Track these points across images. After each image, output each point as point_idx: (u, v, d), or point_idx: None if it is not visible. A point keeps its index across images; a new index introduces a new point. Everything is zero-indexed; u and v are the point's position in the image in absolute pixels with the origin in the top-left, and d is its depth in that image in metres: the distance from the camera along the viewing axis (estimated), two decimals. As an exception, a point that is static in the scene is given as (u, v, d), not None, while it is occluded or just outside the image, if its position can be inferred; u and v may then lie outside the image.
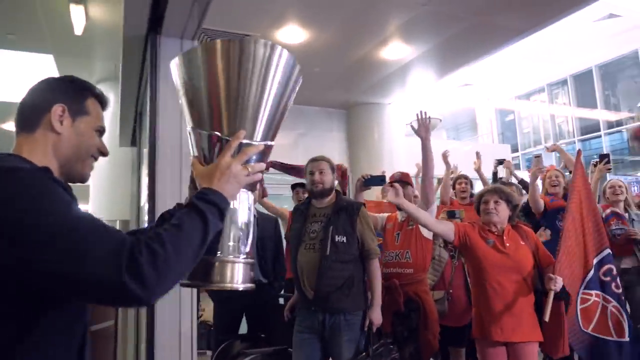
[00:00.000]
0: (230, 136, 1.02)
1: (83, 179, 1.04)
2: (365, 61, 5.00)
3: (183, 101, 1.11)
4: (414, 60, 5.04)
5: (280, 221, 3.69)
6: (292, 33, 4.29)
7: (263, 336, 3.19)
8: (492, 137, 13.96)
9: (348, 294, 2.57)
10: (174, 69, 1.10)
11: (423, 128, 2.86)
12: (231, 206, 1.00)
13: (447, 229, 2.61)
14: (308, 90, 5.82)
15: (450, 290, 3.33)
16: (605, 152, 4.16)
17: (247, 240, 1.07)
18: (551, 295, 2.36)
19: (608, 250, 2.70)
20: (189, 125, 1.10)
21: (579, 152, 2.95)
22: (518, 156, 12.76)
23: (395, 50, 4.76)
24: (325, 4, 3.85)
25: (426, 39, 4.58)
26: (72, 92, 1.02)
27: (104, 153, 1.06)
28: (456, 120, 15.07)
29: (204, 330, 4.29)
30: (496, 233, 2.58)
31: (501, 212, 2.59)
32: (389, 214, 3.27)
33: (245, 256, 1.05)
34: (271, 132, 1.09)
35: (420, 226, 2.97)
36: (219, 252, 1.01)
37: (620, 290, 2.65)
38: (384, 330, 2.86)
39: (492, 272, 2.51)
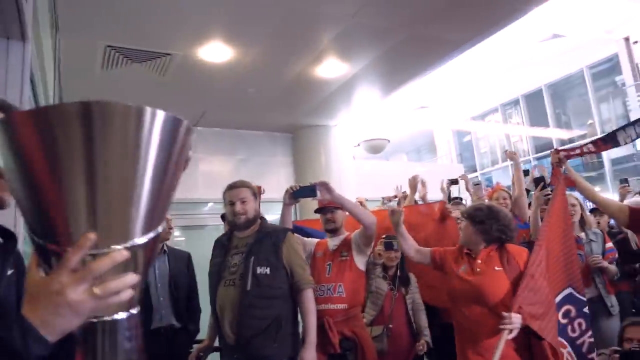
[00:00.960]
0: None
1: None
2: (302, 80, 4.73)
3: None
4: (354, 77, 4.80)
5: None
6: (217, 50, 3.98)
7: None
8: (450, 158, 13.93)
9: (275, 338, 2.22)
10: None
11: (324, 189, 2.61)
12: None
13: (424, 255, 2.47)
14: (246, 113, 5.52)
15: (390, 325, 3.00)
16: (539, 176, 3.80)
17: None
18: (503, 336, 2.00)
19: (570, 290, 2.39)
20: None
21: (554, 168, 2.72)
22: (477, 176, 12.72)
23: (331, 67, 4.51)
24: (248, 18, 3.56)
25: (362, 54, 4.34)
26: None
27: None
28: (416, 142, 15.05)
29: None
30: (473, 256, 2.27)
31: (464, 232, 2.31)
32: (318, 240, 2.94)
33: None
34: (155, 221, 0.73)
35: (354, 256, 2.71)
36: None
37: (576, 334, 2.35)
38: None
39: (457, 302, 2.24)
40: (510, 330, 2.01)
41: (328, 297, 2.65)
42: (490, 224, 2.23)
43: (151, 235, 0.73)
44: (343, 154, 6.30)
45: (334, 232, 2.84)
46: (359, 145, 7.63)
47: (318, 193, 2.60)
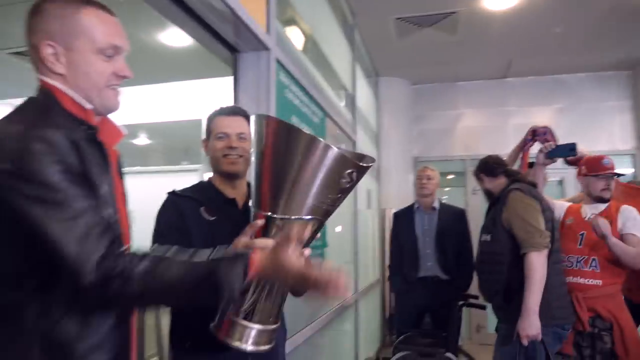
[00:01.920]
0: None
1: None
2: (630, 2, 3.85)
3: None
4: None
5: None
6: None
7: (445, 335, 2.97)
8: None
9: (506, 304, 2.28)
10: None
11: None
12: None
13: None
14: (560, 55, 4.93)
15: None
16: None
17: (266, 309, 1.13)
18: None
19: None
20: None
21: None
22: None
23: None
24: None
25: None
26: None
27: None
28: None
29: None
30: None
31: None
32: (570, 203, 2.55)
33: (258, 324, 1.12)
34: (315, 210, 1.14)
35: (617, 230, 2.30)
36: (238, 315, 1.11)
37: None
38: (564, 351, 2.31)
39: None
40: None
41: (578, 270, 2.37)
42: None
43: (310, 217, 1.12)
44: None
45: (601, 200, 2.39)
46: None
47: (578, 152, 2.32)
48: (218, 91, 3.18)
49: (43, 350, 0.85)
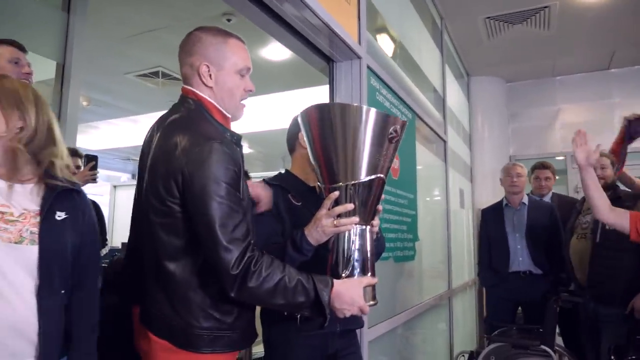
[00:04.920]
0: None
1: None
2: None
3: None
4: None
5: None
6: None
7: (540, 329, 2.95)
8: None
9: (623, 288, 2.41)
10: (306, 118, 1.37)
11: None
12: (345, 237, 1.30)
13: (623, 219, 2.07)
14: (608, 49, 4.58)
15: None
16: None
17: (357, 263, 1.29)
18: None
19: None
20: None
21: None
22: None
23: None
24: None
25: None
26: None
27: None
28: None
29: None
30: None
31: None
32: None
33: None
34: (369, 171, 1.29)
35: None
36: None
37: None
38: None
39: None
40: None
41: None
42: None
43: (367, 178, 1.27)
44: None
45: None
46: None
47: None
48: (312, 99, 3.46)
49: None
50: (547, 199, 3.52)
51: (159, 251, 1.16)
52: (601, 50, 4.85)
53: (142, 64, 4.85)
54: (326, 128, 1.28)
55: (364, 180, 1.26)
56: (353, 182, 1.26)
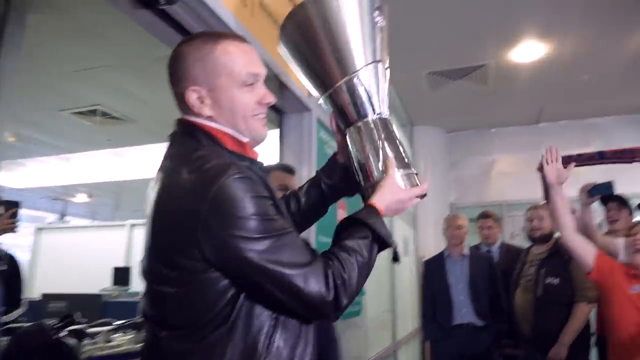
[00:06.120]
0: None
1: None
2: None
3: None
4: None
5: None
6: (529, 49, 3.90)
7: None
8: None
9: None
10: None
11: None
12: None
13: (587, 253, 2.02)
14: (591, 100, 5.02)
15: None
16: None
17: (398, 156, 1.14)
18: None
19: None
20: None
21: None
22: None
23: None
24: (554, 6, 3.36)
25: None
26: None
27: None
28: None
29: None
30: None
31: None
32: None
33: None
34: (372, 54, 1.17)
35: None
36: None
37: None
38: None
39: (627, 329, 1.91)
40: None
41: None
42: None
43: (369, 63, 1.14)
44: None
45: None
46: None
47: (613, 189, 2.39)
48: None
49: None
50: (495, 248, 3.60)
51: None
52: (531, 105, 5.20)
53: (80, 101, 4.61)
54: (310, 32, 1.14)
55: (366, 65, 1.14)
56: (355, 70, 1.13)
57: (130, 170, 6.24)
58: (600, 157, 2.72)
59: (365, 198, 1.13)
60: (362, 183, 1.15)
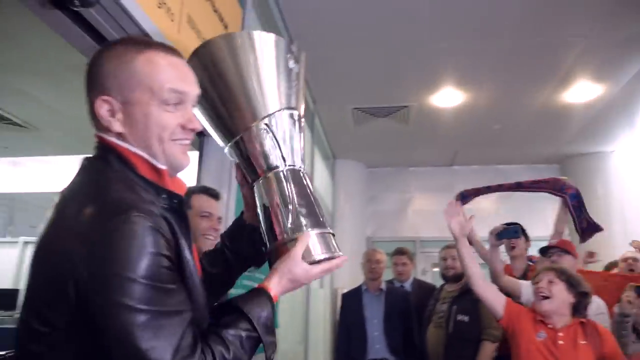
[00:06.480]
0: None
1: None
2: (551, 108, 4.33)
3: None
4: (618, 98, 4.11)
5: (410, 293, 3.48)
6: (448, 96, 4.14)
7: None
8: None
9: None
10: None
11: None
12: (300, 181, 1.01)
13: (497, 301, 2.10)
14: (501, 148, 5.41)
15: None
16: None
17: (312, 212, 0.99)
18: None
19: None
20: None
21: None
22: None
23: (582, 90, 4.01)
24: (474, 58, 3.59)
25: (618, 72, 3.71)
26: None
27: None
28: None
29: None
30: (550, 326, 1.98)
31: (556, 297, 1.98)
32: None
33: (312, 228, 0.97)
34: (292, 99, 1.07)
35: None
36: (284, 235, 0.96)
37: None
38: None
39: None
40: None
41: None
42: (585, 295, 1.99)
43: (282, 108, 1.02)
44: (628, 182, 5.31)
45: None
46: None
47: (520, 234, 2.53)
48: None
49: None
50: (407, 284, 3.66)
51: None
52: (447, 148, 5.50)
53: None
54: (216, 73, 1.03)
55: (280, 109, 1.02)
56: (267, 115, 1.01)
57: (28, 182, 5.72)
58: (517, 187, 3.02)
59: (271, 262, 0.98)
60: (268, 245, 0.99)
